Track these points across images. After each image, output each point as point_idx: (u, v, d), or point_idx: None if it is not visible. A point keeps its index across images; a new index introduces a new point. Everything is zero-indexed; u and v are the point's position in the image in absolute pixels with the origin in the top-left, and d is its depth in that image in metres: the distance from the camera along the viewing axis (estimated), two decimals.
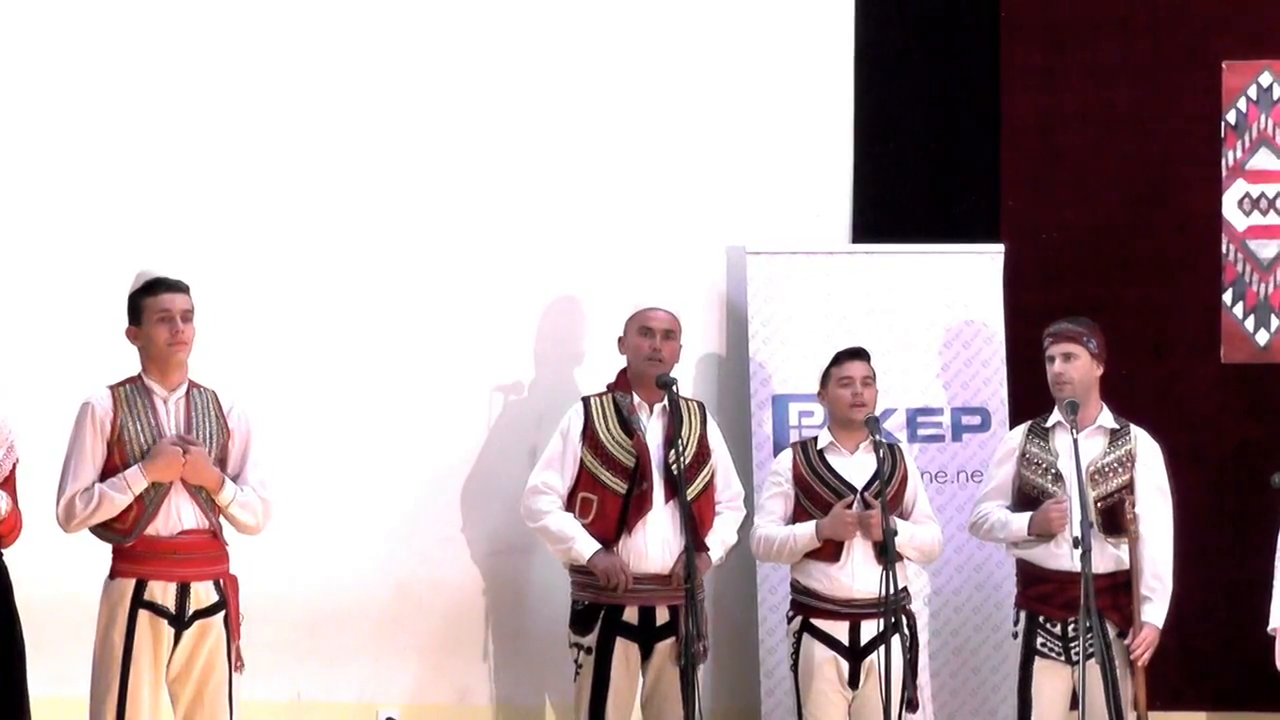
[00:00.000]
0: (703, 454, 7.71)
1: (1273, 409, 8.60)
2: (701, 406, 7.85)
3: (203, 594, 6.89)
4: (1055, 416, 7.69)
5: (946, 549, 7.98)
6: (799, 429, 8.26)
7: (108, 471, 6.86)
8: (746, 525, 7.79)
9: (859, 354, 7.65)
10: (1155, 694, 7.69)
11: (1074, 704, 7.52)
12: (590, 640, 7.59)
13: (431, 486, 8.37)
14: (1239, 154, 8.67)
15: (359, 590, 8.30)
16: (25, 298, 8.15)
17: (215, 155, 8.29)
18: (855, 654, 7.51)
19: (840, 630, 7.51)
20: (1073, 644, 7.48)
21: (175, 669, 6.89)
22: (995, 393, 8.45)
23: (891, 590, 7.11)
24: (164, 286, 6.92)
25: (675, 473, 7.44)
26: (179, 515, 6.87)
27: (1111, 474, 7.63)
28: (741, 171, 8.62)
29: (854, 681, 7.51)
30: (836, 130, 8.72)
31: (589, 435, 7.68)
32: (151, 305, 6.90)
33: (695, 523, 7.52)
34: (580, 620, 7.63)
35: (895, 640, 7.33)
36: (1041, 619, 7.58)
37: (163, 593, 6.83)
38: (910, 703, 7.23)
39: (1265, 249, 8.66)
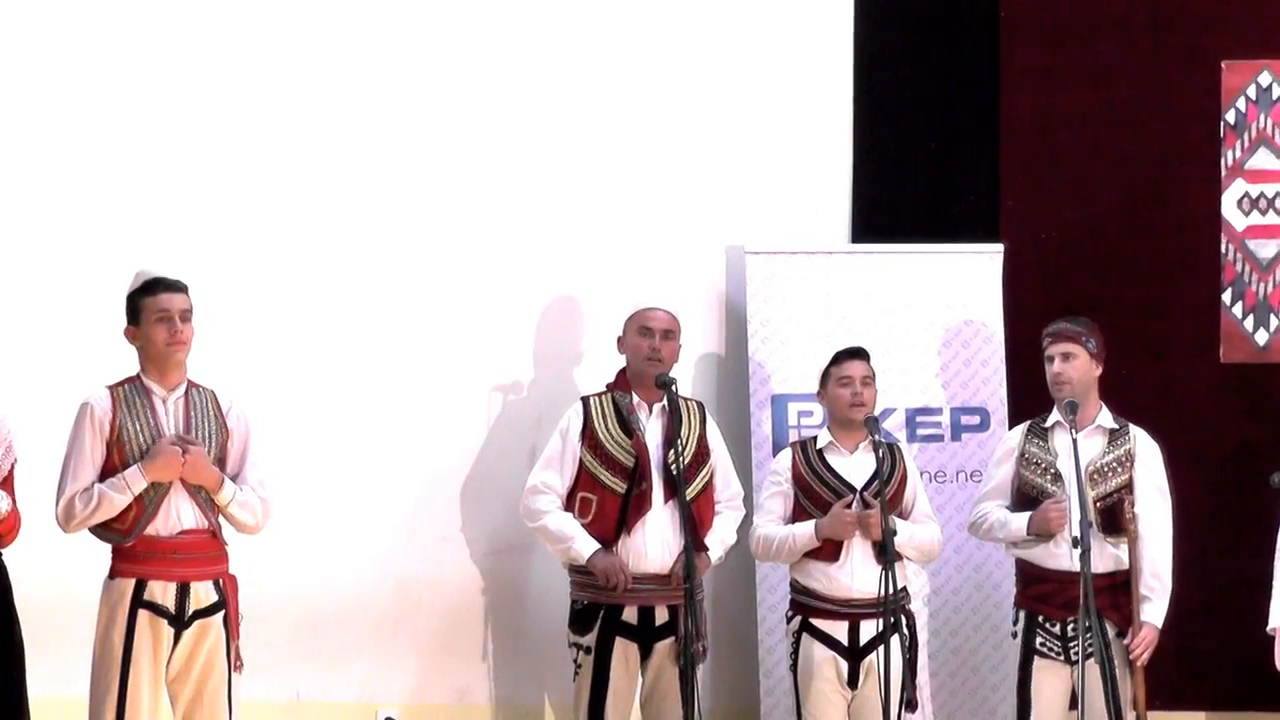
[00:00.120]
0: (702, 454, 7.71)
1: (1272, 409, 8.60)
2: (701, 406, 7.85)
3: (202, 594, 6.89)
4: (1054, 416, 7.68)
5: (946, 549, 7.98)
6: (798, 429, 8.26)
7: (107, 471, 6.86)
8: (746, 525, 7.79)
9: (858, 354, 7.65)
10: (1155, 694, 7.68)
11: (1073, 704, 7.51)
12: (589, 640, 7.59)
13: (431, 486, 8.37)
14: (1238, 154, 8.67)
15: (358, 590, 8.30)
16: (25, 298, 8.14)
17: (215, 155, 8.28)
18: (854, 654, 7.51)
19: (839, 630, 7.51)
20: (1072, 644, 7.47)
21: (175, 669, 6.88)
22: (994, 392, 8.44)
23: (891, 590, 7.11)
24: (163, 286, 6.91)
25: (674, 473, 7.44)
26: (178, 515, 6.87)
27: (1111, 474, 7.63)
28: (741, 171, 8.62)
29: (853, 681, 7.51)
30: (836, 130, 8.72)
31: (588, 435, 7.68)
32: (150, 305, 6.90)
33: (694, 522, 7.52)
34: (579, 620, 7.63)
35: (894, 640, 7.33)
36: (1041, 619, 7.58)
37: (162, 593, 6.83)
38: (909, 702, 7.23)
39: (1264, 249, 8.65)
